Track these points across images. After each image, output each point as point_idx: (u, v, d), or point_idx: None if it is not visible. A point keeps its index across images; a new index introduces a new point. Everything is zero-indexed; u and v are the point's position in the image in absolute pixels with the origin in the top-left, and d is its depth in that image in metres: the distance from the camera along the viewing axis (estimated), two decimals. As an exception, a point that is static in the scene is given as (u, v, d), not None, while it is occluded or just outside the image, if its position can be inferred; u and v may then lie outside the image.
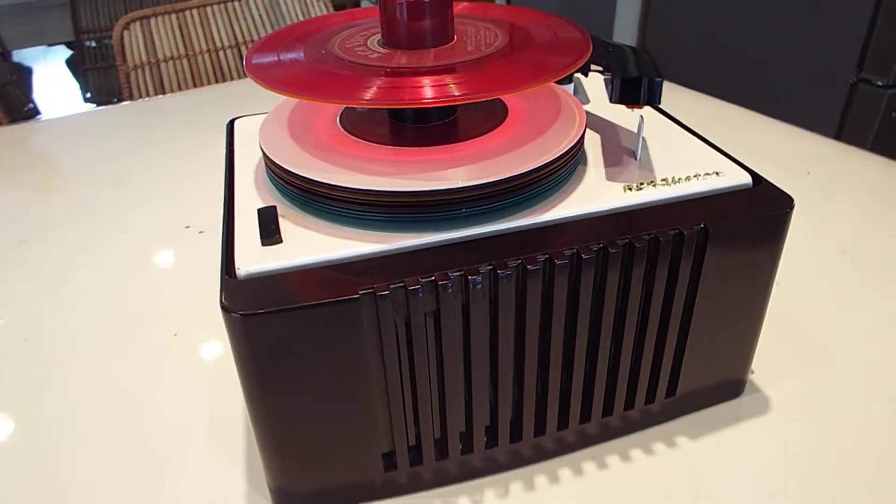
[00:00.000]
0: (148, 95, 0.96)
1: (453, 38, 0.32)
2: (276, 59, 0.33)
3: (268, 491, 0.32)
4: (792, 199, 0.31)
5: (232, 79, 1.01)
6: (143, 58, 0.92)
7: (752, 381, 0.38)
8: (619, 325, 0.31)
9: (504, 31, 0.33)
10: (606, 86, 0.32)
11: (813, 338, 0.41)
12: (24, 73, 1.66)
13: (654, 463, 0.33)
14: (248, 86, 0.88)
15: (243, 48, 0.99)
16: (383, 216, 0.29)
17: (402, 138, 0.32)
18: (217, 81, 1.00)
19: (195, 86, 0.99)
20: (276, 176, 0.31)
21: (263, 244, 0.28)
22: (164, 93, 0.97)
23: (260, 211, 0.30)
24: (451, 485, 0.33)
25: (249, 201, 0.32)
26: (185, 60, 0.95)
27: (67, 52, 1.90)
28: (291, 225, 0.30)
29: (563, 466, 0.33)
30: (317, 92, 0.28)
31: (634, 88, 0.30)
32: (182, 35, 0.94)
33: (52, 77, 2.00)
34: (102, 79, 1.55)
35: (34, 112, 1.49)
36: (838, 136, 1.28)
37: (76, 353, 0.43)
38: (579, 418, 0.33)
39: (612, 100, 0.31)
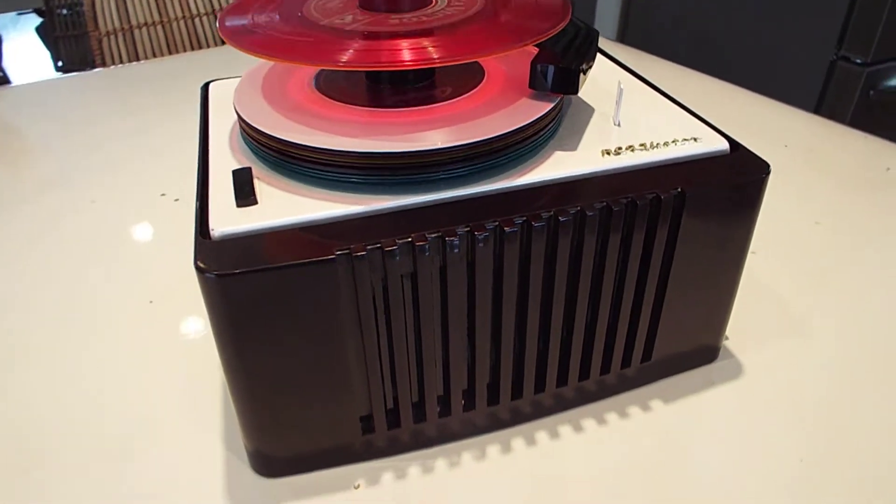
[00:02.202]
0: (121, 63, 0.94)
1: (432, 1, 0.32)
2: (250, 20, 0.32)
3: (245, 454, 0.32)
4: (768, 165, 0.31)
5: (208, 46, 0.99)
6: (116, 24, 0.90)
7: (726, 346, 0.38)
8: (595, 289, 0.31)
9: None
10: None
11: (785, 305, 0.41)
12: (-7, 41, 1.61)
13: (628, 426, 0.34)
14: (225, 54, 0.86)
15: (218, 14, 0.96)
16: (359, 178, 0.28)
17: (379, 100, 0.32)
18: (193, 49, 0.98)
19: (170, 53, 0.97)
20: (251, 138, 0.31)
21: (238, 205, 0.28)
22: (137, 60, 0.95)
23: (234, 172, 0.29)
24: (429, 447, 0.33)
25: (224, 163, 0.31)
26: (159, 27, 0.93)
27: (38, 20, 1.84)
28: (267, 186, 0.29)
29: (539, 429, 0.34)
30: (293, 54, 0.28)
31: (534, 75, 0.30)
32: (156, 1, 0.91)
33: (22, 45, 1.94)
34: (74, 47, 1.51)
35: (4, 80, 1.45)
36: (816, 113, 1.28)
37: (50, 323, 0.42)
38: (556, 382, 0.33)
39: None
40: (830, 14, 1.21)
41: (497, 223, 0.27)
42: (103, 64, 0.91)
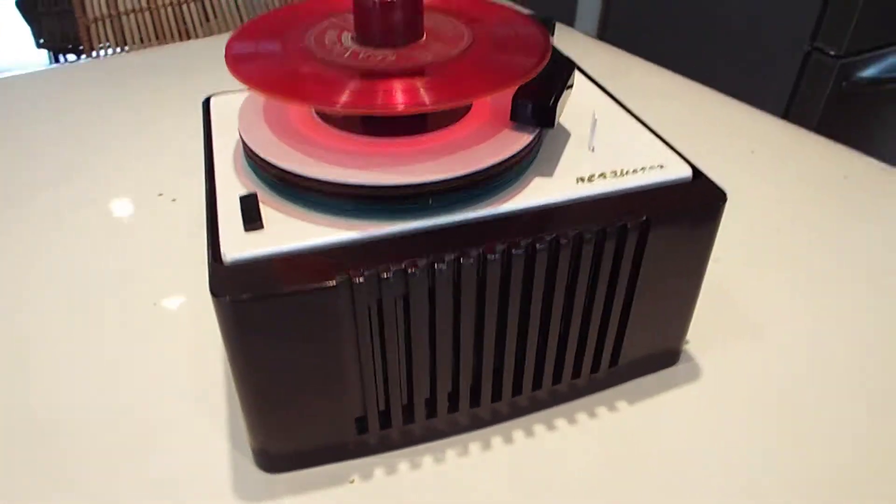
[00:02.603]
0: (108, 49, 0.95)
1: (423, 36, 0.34)
2: (253, 51, 0.34)
3: (250, 452, 0.36)
4: (724, 194, 0.34)
5: (195, 32, 0.99)
6: (104, 10, 0.91)
7: (686, 350, 0.42)
8: (568, 304, 0.34)
9: (469, 28, 0.35)
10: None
11: (743, 310, 0.45)
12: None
13: (596, 425, 0.38)
14: (213, 43, 0.87)
15: (206, 1, 0.97)
16: (357, 206, 0.31)
17: (374, 127, 0.34)
18: (180, 35, 0.99)
19: (157, 39, 0.97)
20: (256, 163, 0.34)
21: (246, 230, 0.31)
22: (125, 45, 0.96)
23: (242, 198, 0.32)
24: (417, 445, 0.36)
25: (230, 186, 0.34)
26: (147, 13, 0.93)
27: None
28: (271, 211, 0.32)
29: (516, 428, 0.37)
30: (293, 93, 0.30)
31: (515, 109, 0.33)
32: (144, -12, 0.92)
33: (4, 25, 1.91)
34: (56, 24, 1.50)
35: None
36: (790, 104, 1.32)
37: (57, 325, 0.45)
38: (532, 386, 0.37)
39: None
40: (805, 6, 1.24)
41: (480, 250, 0.30)
42: (91, 50, 0.91)
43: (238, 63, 0.33)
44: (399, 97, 0.30)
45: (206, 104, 0.42)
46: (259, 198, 0.32)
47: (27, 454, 0.36)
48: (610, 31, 1.51)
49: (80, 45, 0.94)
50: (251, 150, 0.33)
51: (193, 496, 0.34)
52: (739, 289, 0.47)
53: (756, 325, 0.44)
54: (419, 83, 0.30)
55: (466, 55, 0.33)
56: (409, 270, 0.29)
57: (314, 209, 0.32)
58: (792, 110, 1.35)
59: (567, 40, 0.86)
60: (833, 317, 0.45)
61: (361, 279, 0.29)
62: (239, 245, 0.30)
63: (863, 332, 0.43)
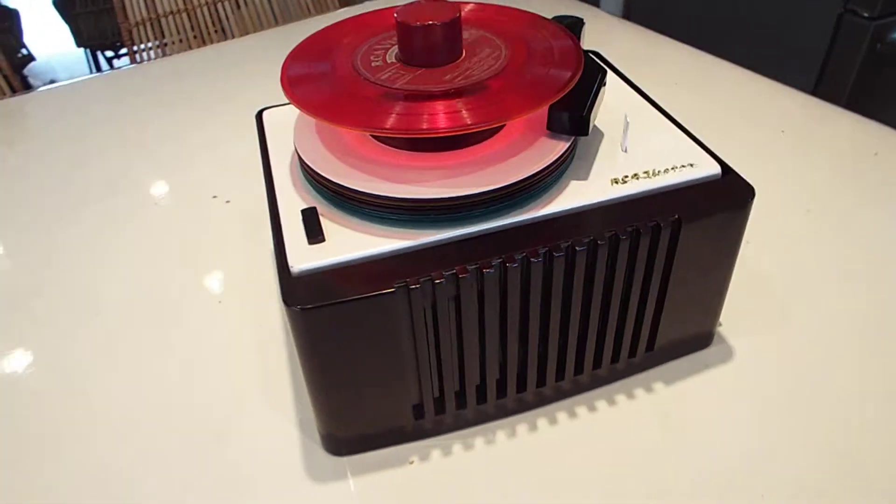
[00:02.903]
0: (149, 49, 0.98)
1: (462, 54, 0.37)
2: (306, 72, 0.37)
3: (318, 437, 0.39)
4: (752, 190, 0.36)
5: (231, 29, 1.02)
6: (144, 14, 0.94)
7: (719, 332, 0.44)
8: (606, 296, 0.37)
9: (504, 42, 0.38)
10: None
11: (774, 292, 0.47)
12: (13, 18, 1.64)
13: (634, 405, 0.40)
14: (248, 42, 0.90)
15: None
16: (409, 217, 0.34)
17: (420, 143, 0.37)
18: (216, 32, 1.02)
19: (195, 39, 1.01)
20: (313, 178, 0.37)
21: (310, 243, 0.34)
22: (164, 48, 0.99)
23: (303, 212, 0.35)
24: (468, 428, 0.40)
25: (290, 200, 0.37)
26: (184, 14, 0.96)
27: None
28: (330, 223, 0.35)
29: (560, 410, 0.40)
30: (342, 119, 0.33)
31: (552, 120, 0.35)
32: (181, -11, 0.95)
33: (39, 19, 1.97)
34: (94, 23, 1.54)
35: (29, 58, 1.48)
36: (823, 68, 1.31)
37: (131, 326, 0.49)
38: (573, 371, 0.40)
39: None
40: (839, -33, 1.22)
41: (524, 254, 0.33)
42: (133, 53, 0.95)
43: (292, 86, 0.36)
44: (442, 121, 0.32)
45: (259, 117, 0.45)
46: (318, 211, 0.35)
47: (119, 446, 0.40)
48: (636, 4, 1.50)
49: (118, 42, 0.98)
50: (309, 167, 0.36)
51: (270, 478, 0.38)
52: (770, 270, 0.49)
53: (787, 306, 0.46)
54: (460, 104, 0.33)
55: (504, 73, 0.35)
56: (461, 276, 0.32)
57: (369, 220, 0.35)
58: (826, 74, 1.33)
59: (593, 22, 0.87)
60: (864, 297, 0.46)
61: (417, 285, 0.32)
62: (304, 257, 0.33)
63: (895, 312, 0.45)
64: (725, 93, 0.70)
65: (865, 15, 1.21)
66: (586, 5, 0.91)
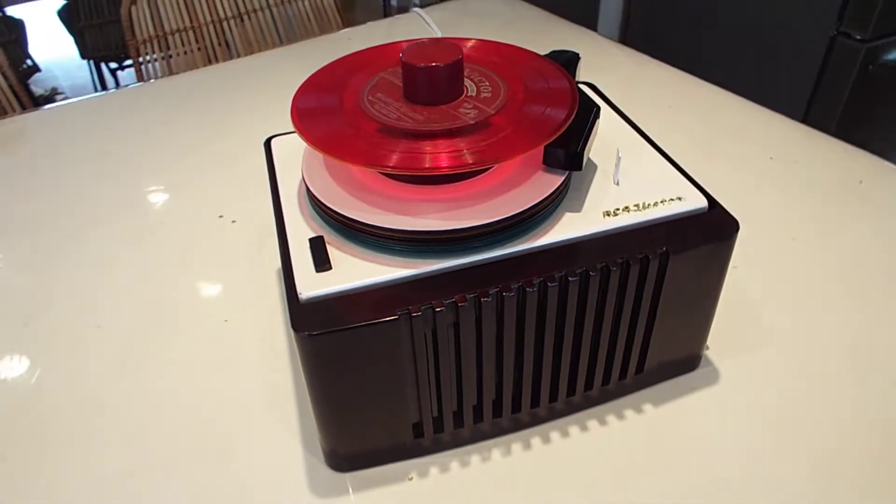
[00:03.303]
0: (156, 66, 1.00)
1: (463, 92, 0.39)
2: (315, 105, 0.39)
3: (321, 453, 0.41)
4: (737, 224, 0.38)
5: (236, 48, 1.05)
6: (151, 31, 0.96)
7: (706, 355, 0.46)
8: (597, 323, 0.39)
9: (503, 81, 0.40)
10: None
11: (760, 316, 0.49)
12: (19, 29, 1.67)
13: (624, 426, 0.42)
14: (253, 63, 0.92)
15: (245, 18, 1.02)
16: (411, 247, 0.36)
17: (423, 178, 0.39)
18: (221, 49, 1.04)
19: (200, 55, 1.03)
20: (321, 209, 0.39)
21: (317, 271, 0.36)
22: (170, 62, 1.01)
23: (311, 241, 0.37)
24: (466, 445, 0.42)
25: (298, 228, 0.39)
26: (190, 32, 0.99)
27: (58, 3, 1.89)
28: (337, 252, 0.37)
29: (553, 430, 0.42)
30: (348, 155, 0.35)
31: (547, 156, 0.37)
32: (187, 7, 0.97)
33: (43, 30, 1.99)
34: (99, 35, 1.56)
35: (34, 69, 1.50)
36: (815, 89, 1.33)
37: (141, 342, 0.50)
38: (566, 392, 0.42)
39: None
40: (831, -10, 1.25)
41: (520, 283, 0.35)
42: (140, 70, 0.97)
43: (301, 119, 0.38)
44: (444, 160, 0.34)
45: (268, 145, 0.47)
46: (325, 239, 0.37)
47: (125, 460, 0.42)
48: (633, 26, 1.53)
49: (122, 53, 1.00)
50: (316, 198, 0.38)
51: (273, 492, 0.40)
52: (756, 295, 0.51)
53: (772, 331, 0.48)
54: (462, 144, 0.35)
55: (503, 112, 0.37)
56: (460, 304, 0.34)
57: (374, 250, 0.37)
58: (818, 95, 1.36)
59: (590, 46, 0.90)
60: (848, 322, 0.48)
61: (419, 312, 0.34)
62: (312, 284, 0.35)
63: (879, 338, 0.47)
64: (717, 118, 0.72)
65: (858, 37, 1.24)
66: (585, 29, 0.94)
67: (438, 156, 0.34)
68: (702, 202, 0.39)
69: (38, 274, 0.57)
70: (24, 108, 0.94)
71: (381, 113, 0.38)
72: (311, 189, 0.39)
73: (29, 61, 1.52)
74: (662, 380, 0.45)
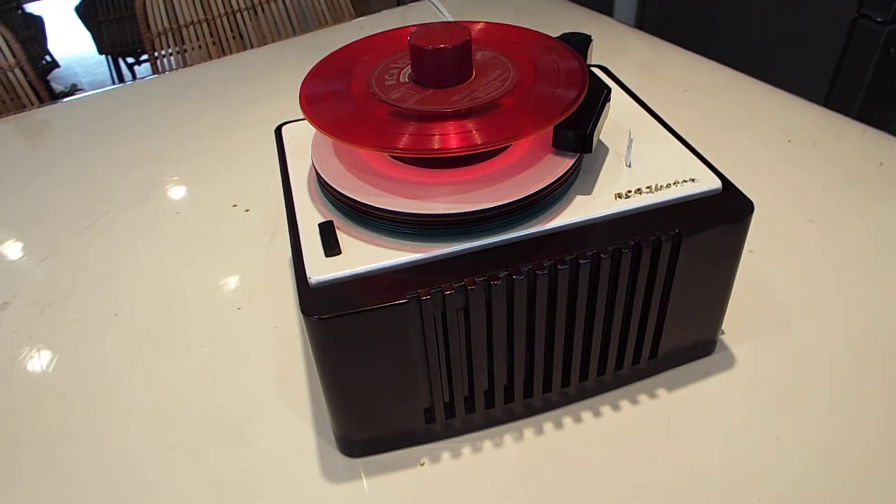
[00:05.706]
0: (171, 60, 1.01)
1: (472, 74, 0.38)
2: (323, 90, 0.39)
3: (333, 439, 0.41)
4: (752, 205, 0.38)
5: (249, 40, 1.05)
6: (166, 24, 0.97)
7: (722, 340, 0.45)
8: (609, 307, 0.38)
9: (513, 62, 0.39)
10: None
11: (777, 299, 0.48)
12: (37, 24, 1.68)
13: (638, 410, 0.42)
14: (266, 54, 0.92)
15: (259, 9, 1.03)
16: (421, 231, 0.36)
17: (433, 161, 0.38)
18: (235, 41, 1.05)
19: (215, 48, 1.03)
20: (331, 194, 0.38)
21: (327, 255, 0.36)
22: (185, 56, 1.02)
23: (321, 226, 0.37)
24: (477, 431, 0.42)
25: (308, 213, 0.39)
26: (204, 24, 0.99)
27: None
28: (346, 237, 0.37)
29: (565, 415, 0.42)
30: (356, 139, 0.35)
31: (557, 138, 0.36)
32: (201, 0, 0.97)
33: (62, 26, 2.01)
34: (116, 30, 1.58)
35: (53, 65, 1.52)
36: (836, 73, 1.31)
37: (156, 330, 0.51)
38: (579, 377, 0.41)
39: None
40: (852, -28, 1.22)
41: (530, 266, 0.35)
42: (156, 63, 0.98)
43: (310, 104, 0.38)
44: (453, 141, 0.34)
45: (279, 132, 0.47)
46: (335, 224, 0.37)
47: (139, 445, 0.42)
48: (649, 12, 1.51)
49: (139, 48, 1.01)
50: (326, 183, 0.38)
51: (286, 478, 0.40)
52: (773, 279, 0.50)
53: (788, 314, 0.47)
54: (471, 125, 0.34)
55: (512, 93, 0.37)
56: (469, 288, 0.34)
57: (383, 234, 0.37)
58: (839, 78, 1.33)
59: (606, 31, 0.89)
60: (864, 305, 0.47)
61: (428, 296, 0.34)
62: (321, 269, 0.35)
63: (895, 321, 0.46)
64: (734, 101, 0.71)
65: (879, 20, 1.21)
66: (600, 15, 0.93)
67: (448, 137, 0.34)
68: (716, 183, 0.39)
69: (55, 263, 0.58)
70: (42, 104, 0.95)
71: (390, 96, 0.38)
72: (320, 174, 0.39)
73: (48, 57, 1.54)
74: (677, 364, 0.44)
